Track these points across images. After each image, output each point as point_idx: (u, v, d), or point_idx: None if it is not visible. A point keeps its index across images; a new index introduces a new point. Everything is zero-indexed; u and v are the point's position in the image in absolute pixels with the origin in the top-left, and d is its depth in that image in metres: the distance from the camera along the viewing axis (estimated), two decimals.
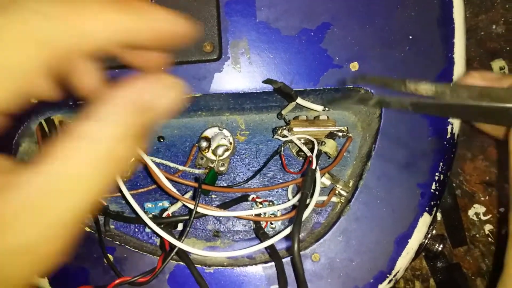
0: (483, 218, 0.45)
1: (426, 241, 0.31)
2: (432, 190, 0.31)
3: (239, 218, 0.35)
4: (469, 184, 0.45)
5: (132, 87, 0.18)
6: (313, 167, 0.31)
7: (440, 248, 0.33)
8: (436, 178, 0.31)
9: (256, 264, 0.32)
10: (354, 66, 0.32)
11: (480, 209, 0.45)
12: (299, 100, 0.33)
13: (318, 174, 0.32)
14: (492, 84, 0.22)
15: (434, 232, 0.32)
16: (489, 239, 0.45)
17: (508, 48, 0.45)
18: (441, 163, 0.31)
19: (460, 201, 0.45)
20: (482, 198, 0.45)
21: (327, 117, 0.35)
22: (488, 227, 0.45)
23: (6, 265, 0.16)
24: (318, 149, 0.32)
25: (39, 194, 0.16)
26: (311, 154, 0.32)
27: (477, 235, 0.45)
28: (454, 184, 0.45)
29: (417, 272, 0.44)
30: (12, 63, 0.16)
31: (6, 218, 0.15)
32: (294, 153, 0.37)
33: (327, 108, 0.34)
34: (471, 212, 0.45)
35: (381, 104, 0.25)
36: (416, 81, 0.23)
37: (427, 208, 0.31)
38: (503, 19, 0.45)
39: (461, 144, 0.46)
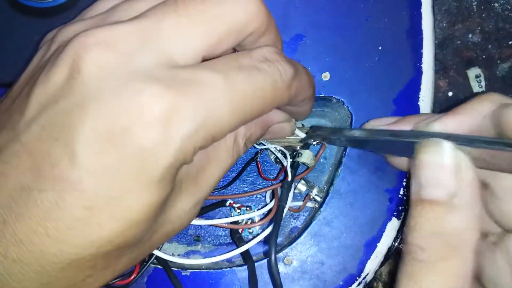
0: None
1: (396, 244, 0.32)
2: (400, 195, 0.32)
3: (217, 226, 0.36)
4: None
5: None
6: (289, 179, 0.32)
7: None
8: (404, 183, 0.32)
9: (231, 267, 0.33)
10: (326, 76, 0.33)
11: None
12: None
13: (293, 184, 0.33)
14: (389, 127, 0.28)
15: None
16: None
17: (484, 57, 0.46)
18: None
19: None
20: None
21: (302, 125, 0.36)
22: None
23: None
24: (296, 160, 0.33)
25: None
26: (285, 165, 0.33)
27: None
28: None
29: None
30: None
31: None
32: (272, 160, 0.39)
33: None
34: None
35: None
36: (350, 129, 0.33)
37: (395, 213, 0.32)
38: (479, 28, 0.46)
39: None
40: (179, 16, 0.18)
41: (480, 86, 0.45)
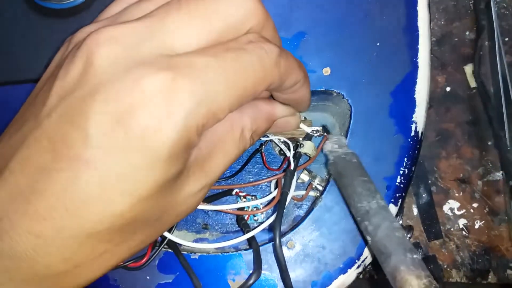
0: (457, 213, 0.47)
1: None
2: (397, 183, 0.34)
3: (223, 212, 0.38)
4: (444, 181, 0.47)
5: (272, 105, 0.27)
6: (291, 168, 0.34)
7: (407, 237, 0.35)
8: (401, 172, 0.34)
9: (238, 251, 0.35)
10: (327, 71, 0.35)
11: (455, 204, 0.47)
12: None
13: (295, 174, 0.35)
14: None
15: (401, 222, 0.35)
16: (463, 232, 0.47)
17: (481, 53, 0.47)
18: (405, 159, 0.34)
19: (435, 197, 0.47)
20: (456, 194, 0.47)
21: (305, 118, 0.38)
22: (462, 221, 0.47)
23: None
24: (298, 151, 0.35)
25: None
26: (288, 155, 0.35)
27: (452, 229, 0.47)
28: (429, 181, 0.47)
29: None
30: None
31: None
32: (276, 152, 0.40)
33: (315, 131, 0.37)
34: (446, 207, 0.47)
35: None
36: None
37: (392, 200, 0.33)
38: (476, 25, 0.48)
39: (437, 143, 0.48)
40: (180, 14, 0.20)
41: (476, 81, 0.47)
